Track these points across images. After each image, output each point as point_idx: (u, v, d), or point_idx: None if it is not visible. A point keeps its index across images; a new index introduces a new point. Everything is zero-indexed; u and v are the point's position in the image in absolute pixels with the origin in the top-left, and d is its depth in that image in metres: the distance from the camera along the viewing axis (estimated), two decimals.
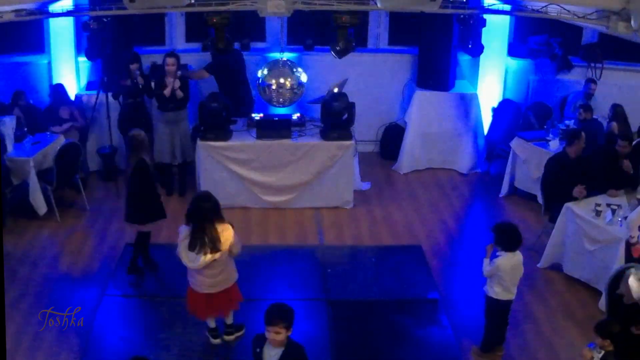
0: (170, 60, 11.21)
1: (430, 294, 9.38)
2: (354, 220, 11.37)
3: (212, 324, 8.21)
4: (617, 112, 11.53)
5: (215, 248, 7.39)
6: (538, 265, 9.98)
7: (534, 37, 13.23)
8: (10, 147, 11.15)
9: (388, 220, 11.38)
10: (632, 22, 8.08)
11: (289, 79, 11.32)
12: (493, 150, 12.87)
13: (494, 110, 12.93)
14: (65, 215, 11.31)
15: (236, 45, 11.76)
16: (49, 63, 13.28)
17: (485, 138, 13.17)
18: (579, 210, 9.58)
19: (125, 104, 11.75)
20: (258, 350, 6.16)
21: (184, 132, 11.67)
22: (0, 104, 12.28)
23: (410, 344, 8.37)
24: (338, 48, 10.00)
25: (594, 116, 11.84)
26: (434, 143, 13.05)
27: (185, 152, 11.69)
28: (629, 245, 8.22)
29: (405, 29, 13.48)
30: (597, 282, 9.23)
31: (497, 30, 13.04)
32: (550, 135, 11.94)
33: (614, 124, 11.01)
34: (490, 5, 9.73)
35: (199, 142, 11.20)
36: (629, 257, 8.64)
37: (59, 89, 12.48)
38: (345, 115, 11.56)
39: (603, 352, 6.62)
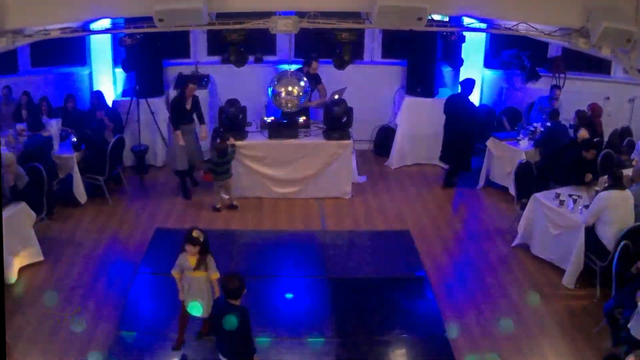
0: (192, 86, 11.20)
1: (418, 272, 9.35)
2: (352, 209, 11.36)
3: None
4: (580, 116, 11.50)
5: None
6: (512, 245, 10.00)
7: (506, 51, 13.19)
8: (56, 145, 11.18)
9: (381, 208, 11.36)
10: (591, 38, 8.06)
11: (297, 87, 11.28)
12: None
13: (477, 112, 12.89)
14: (105, 203, 11.32)
15: (250, 59, 11.72)
16: (90, 74, 13.30)
17: None
18: (545, 199, 9.58)
19: None
20: None
21: (196, 139, 11.62)
22: (51, 108, 12.35)
23: (400, 315, 8.35)
24: (339, 61, 9.97)
25: (560, 120, 11.84)
26: (420, 142, 13.01)
27: (196, 157, 11.66)
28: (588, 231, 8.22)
29: (396, 44, 13.43)
30: (561, 262, 9.28)
31: (474, 45, 13.04)
32: (520, 136, 11.98)
33: (583, 131, 10.98)
34: (469, 24, 9.69)
35: None
36: (588, 241, 8.68)
37: (98, 95, 12.46)
38: (345, 119, 11.59)
39: None
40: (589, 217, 8.76)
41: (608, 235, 8.55)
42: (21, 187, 9.33)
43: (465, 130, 11.75)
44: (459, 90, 11.99)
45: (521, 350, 7.77)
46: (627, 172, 9.57)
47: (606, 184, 8.90)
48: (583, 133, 10.22)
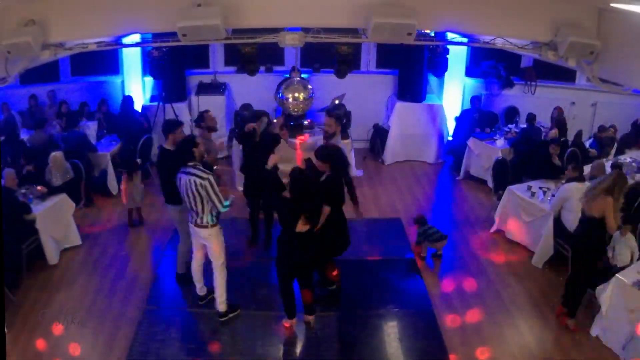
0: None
1: (407, 254, 9.32)
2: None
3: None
4: (557, 119, 11.54)
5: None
6: (490, 231, 9.99)
7: (485, 62, 13.16)
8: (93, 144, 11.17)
9: (376, 199, 11.31)
10: (559, 51, 8.03)
11: (302, 94, 11.27)
12: (456, 147, 12.76)
13: (456, 118, 12.86)
14: None
15: (262, 69, 11.67)
16: (122, 82, 13.29)
17: (451, 138, 13.13)
18: (518, 191, 9.57)
19: None
20: None
21: None
22: (88, 111, 12.38)
23: (392, 291, 8.34)
24: (339, 70, 9.94)
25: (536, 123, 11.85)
26: (410, 141, 12.98)
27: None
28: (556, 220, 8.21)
29: (389, 56, 13.38)
30: (531, 245, 9.27)
31: (457, 57, 12.99)
32: (497, 136, 11.99)
33: (555, 130, 10.95)
34: (452, 39, 9.65)
35: (235, 142, 11.11)
36: (557, 229, 8.66)
37: (127, 100, 12.46)
38: (344, 121, 11.53)
39: None
40: (554, 205, 8.78)
41: (570, 221, 8.53)
42: (68, 180, 9.36)
43: None
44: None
45: (497, 321, 7.77)
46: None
47: (568, 178, 8.88)
48: (554, 132, 10.20)
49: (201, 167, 7.26)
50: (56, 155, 9.40)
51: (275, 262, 7.28)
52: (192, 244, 7.88)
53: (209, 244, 7.47)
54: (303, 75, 12.15)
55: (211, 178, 7.14)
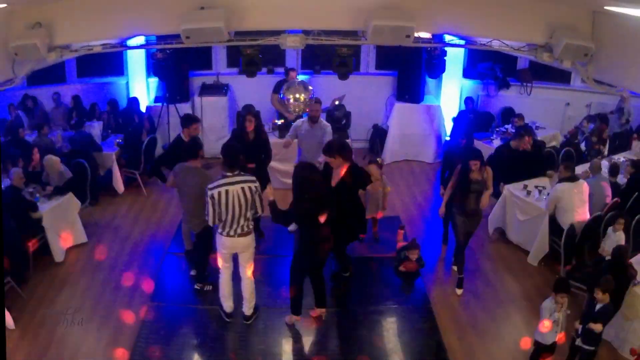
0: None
1: None
2: None
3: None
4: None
5: None
6: (488, 229, 9.96)
7: (482, 63, 13.15)
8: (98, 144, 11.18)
9: None
10: (554, 52, 8.07)
11: (303, 95, 11.26)
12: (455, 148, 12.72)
13: (454, 119, 12.86)
14: (140, 193, 11.32)
15: (263, 70, 11.67)
16: (127, 83, 13.29)
17: (448, 138, 13.13)
18: (515, 190, 9.57)
19: None
20: None
21: None
22: (99, 112, 12.41)
23: (391, 288, 8.35)
24: (339, 72, 9.95)
25: (525, 122, 11.85)
26: (408, 141, 12.97)
27: None
28: (551, 219, 8.23)
29: (388, 58, 13.39)
30: (526, 245, 9.28)
31: (454, 59, 12.98)
32: (494, 135, 12.03)
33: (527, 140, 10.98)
34: (450, 41, 9.68)
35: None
36: (552, 227, 8.67)
37: (133, 101, 12.50)
38: (344, 121, 11.62)
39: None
40: (548, 205, 8.80)
41: (564, 220, 8.56)
42: (63, 183, 9.36)
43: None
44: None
45: (494, 318, 7.80)
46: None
47: (561, 177, 8.89)
48: (525, 140, 10.07)
49: (243, 173, 7.07)
50: (51, 158, 9.32)
51: (295, 260, 7.26)
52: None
53: (248, 250, 7.29)
54: (304, 76, 12.16)
55: (257, 183, 7.05)
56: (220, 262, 7.36)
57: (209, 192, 6.84)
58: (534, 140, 10.37)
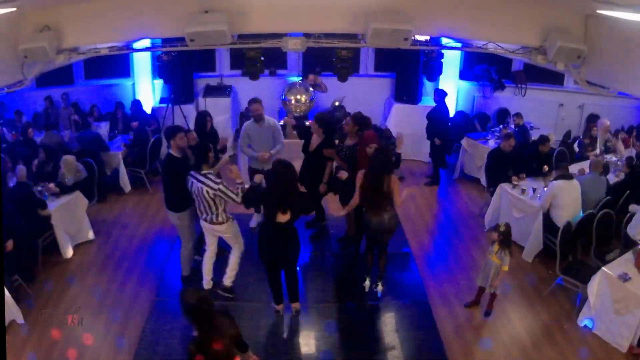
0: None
1: (404, 248, 9.30)
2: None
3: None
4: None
5: None
6: (483, 226, 9.96)
7: (478, 65, 13.15)
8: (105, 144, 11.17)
9: None
10: (547, 55, 8.06)
11: (304, 96, 11.27)
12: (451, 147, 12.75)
13: (451, 119, 12.85)
14: (146, 191, 11.33)
15: (266, 72, 11.67)
16: (133, 84, 13.31)
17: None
18: (509, 189, 9.56)
19: None
20: None
21: None
22: (100, 113, 12.41)
23: (389, 284, 8.29)
24: (339, 74, 9.94)
25: (524, 122, 11.85)
26: (407, 141, 12.93)
27: None
28: (546, 216, 8.21)
29: (386, 60, 13.39)
30: (521, 240, 9.25)
31: (451, 61, 12.99)
32: (489, 136, 12.02)
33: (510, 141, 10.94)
34: (447, 43, 9.65)
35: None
36: (546, 224, 8.66)
37: (137, 103, 12.51)
38: (344, 121, 11.51)
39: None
40: (542, 202, 8.78)
41: (559, 217, 8.54)
42: (80, 179, 9.38)
43: (441, 135, 11.65)
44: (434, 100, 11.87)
45: (490, 312, 7.76)
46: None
47: (556, 176, 8.88)
48: (510, 142, 10.06)
49: (212, 176, 7.21)
50: (67, 158, 9.35)
51: (258, 252, 7.13)
52: (193, 248, 8.05)
53: (225, 235, 7.60)
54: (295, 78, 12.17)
55: (221, 186, 7.12)
56: (207, 240, 7.77)
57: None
58: (523, 141, 10.45)
